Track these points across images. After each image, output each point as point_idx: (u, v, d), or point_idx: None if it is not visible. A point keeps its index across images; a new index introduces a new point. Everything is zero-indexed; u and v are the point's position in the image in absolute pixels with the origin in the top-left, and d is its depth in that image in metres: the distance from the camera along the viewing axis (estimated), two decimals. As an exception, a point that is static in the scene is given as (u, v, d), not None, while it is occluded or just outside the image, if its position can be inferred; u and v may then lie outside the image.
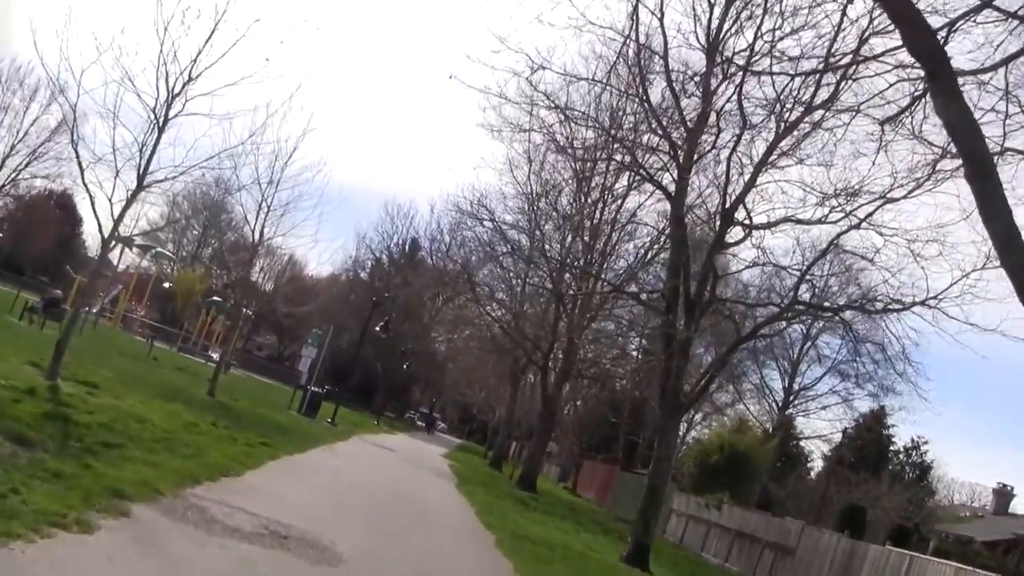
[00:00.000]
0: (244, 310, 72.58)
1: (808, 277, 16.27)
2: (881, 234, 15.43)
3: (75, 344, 25.46)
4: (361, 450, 24.50)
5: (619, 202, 30.31)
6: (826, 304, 15.89)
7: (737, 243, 16.91)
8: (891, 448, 50.38)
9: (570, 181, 31.18)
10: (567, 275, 31.62)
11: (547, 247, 31.54)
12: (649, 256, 27.53)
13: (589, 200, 31.30)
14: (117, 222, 14.56)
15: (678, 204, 16.66)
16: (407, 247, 75.92)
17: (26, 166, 60.49)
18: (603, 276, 28.43)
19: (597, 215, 31.07)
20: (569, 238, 30.69)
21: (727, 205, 16.49)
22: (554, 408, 34.44)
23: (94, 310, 46.62)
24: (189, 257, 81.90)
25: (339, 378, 71.31)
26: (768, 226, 16.63)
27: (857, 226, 15.54)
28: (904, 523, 25.54)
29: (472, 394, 61.39)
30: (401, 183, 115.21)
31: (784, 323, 17.36)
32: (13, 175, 60.91)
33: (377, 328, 36.53)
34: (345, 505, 11.68)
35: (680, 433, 53.47)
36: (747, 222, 16.78)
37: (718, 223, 16.83)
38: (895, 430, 49.00)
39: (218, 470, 10.27)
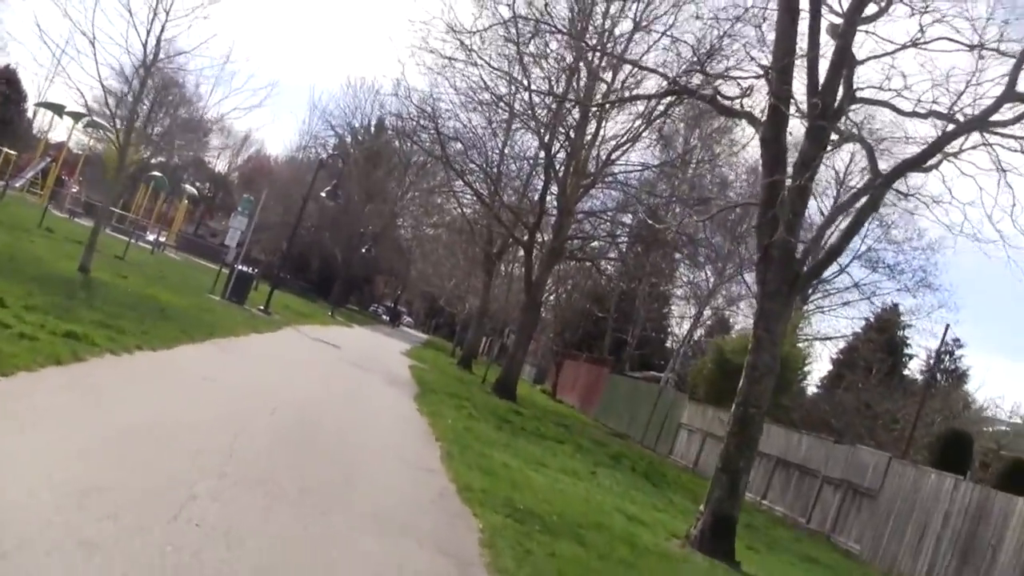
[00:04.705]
0: (187, 187, 65.61)
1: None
2: None
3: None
4: (285, 346, 18.05)
5: None
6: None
7: (879, 14, 9.96)
8: (905, 352, 45.24)
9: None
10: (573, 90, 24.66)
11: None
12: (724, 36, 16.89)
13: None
14: None
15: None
16: (372, 127, 67.79)
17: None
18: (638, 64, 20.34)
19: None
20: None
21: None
22: (539, 296, 28.21)
23: (17, 184, 42.17)
24: (136, 133, 73.47)
25: (298, 267, 64.72)
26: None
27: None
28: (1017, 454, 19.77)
29: (440, 284, 54.97)
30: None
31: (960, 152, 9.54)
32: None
33: (323, 194, 29.52)
34: (158, 474, 5.18)
35: (684, 330, 46.78)
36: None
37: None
38: (911, 332, 43.44)
39: None
